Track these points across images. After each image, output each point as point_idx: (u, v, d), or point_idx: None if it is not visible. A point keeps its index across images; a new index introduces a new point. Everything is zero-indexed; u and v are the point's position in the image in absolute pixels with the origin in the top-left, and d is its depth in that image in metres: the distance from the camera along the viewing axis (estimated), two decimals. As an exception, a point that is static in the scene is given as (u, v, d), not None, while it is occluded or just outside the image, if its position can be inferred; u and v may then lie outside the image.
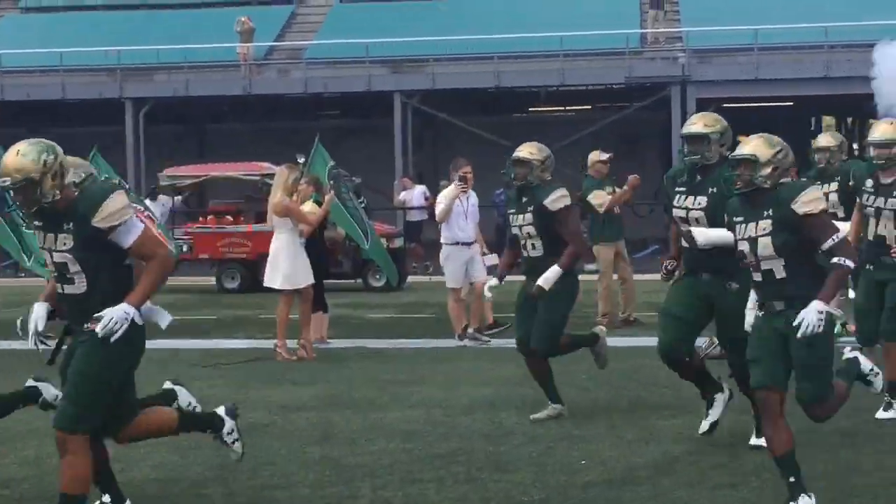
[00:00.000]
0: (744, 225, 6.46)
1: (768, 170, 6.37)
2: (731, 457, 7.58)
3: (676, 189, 7.89)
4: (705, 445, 7.92)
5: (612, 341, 13.07)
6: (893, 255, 8.48)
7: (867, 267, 8.69)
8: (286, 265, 12.59)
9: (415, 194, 25.97)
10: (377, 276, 20.15)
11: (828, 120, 40.40)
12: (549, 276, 8.73)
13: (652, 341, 12.97)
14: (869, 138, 8.89)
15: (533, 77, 30.64)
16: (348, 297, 19.03)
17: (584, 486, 6.92)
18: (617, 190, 14.85)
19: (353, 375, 11.48)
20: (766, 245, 6.30)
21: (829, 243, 6.18)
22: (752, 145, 6.57)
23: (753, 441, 7.69)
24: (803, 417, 6.55)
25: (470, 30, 30.79)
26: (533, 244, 9.05)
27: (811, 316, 5.94)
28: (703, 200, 7.63)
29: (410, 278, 21.60)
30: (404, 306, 18.08)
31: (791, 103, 33.30)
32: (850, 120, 39.37)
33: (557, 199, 8.84)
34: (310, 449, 8.12)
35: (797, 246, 6.28)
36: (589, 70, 30.51)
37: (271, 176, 22.16)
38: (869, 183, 8.74)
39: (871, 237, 8.70)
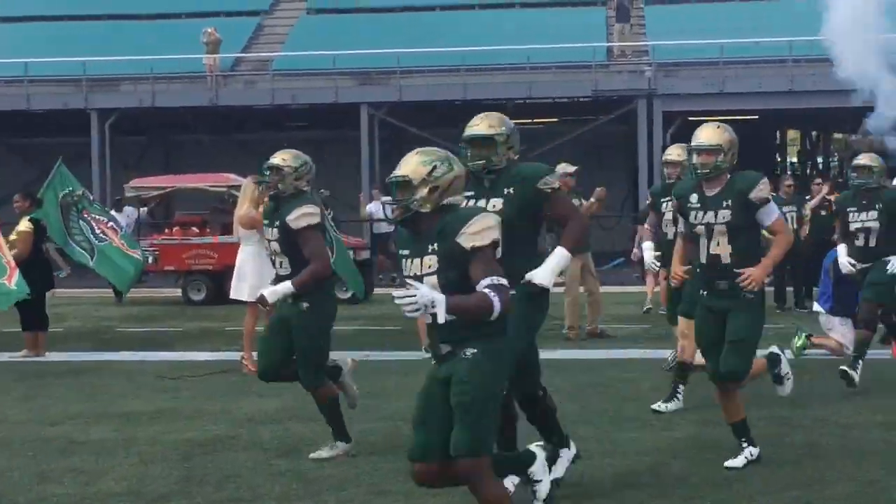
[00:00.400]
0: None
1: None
2: (694, 469, 7.60)
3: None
4: (669, 458, 7.95)
5: (580, 353, 13.25)
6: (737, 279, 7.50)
7: (701, 293, 7.89)
8: (253, 277, 12.49)
9: (379, 206, 25.98)
10: (343, 289, 20.03)
11: (793, 134, 40.78)
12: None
13: (618, 353, 13.16)
14: (693, 143, 7.84)
15: (500, 90, 30.67)
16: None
17: (561, 496, 6.93)
18: (583, 202, 14.88)
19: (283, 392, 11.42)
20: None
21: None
22: None
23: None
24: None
25: (437, 42, 30.80)
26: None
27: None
28: (497, 202, 7.04)
29: (377, 290, 21.55)
30: (371, 318, 18.06)
31: (756, 117, 33.50)
32: (814, 134, 39.73)
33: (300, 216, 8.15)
34: (276, 461, 8.09)
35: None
36: (556, 83, 30.59)
37: (237, 187, 22.10)
38: (694, 198, 7.76)
39: (703, 259, 7.74)
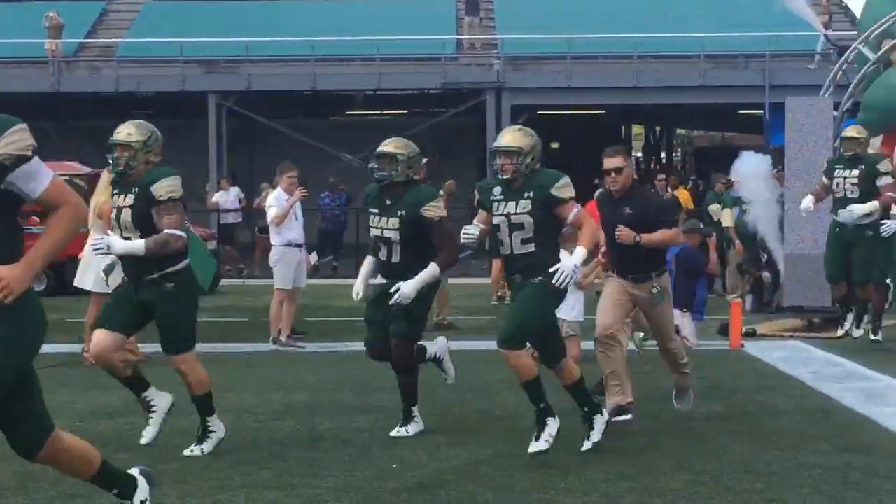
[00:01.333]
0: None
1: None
2: (537, 462, 7.68)
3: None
4: (514, 448, 8.01)
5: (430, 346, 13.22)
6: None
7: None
8: (98, 267, 12.28)
9: (230, 196, 25.69)
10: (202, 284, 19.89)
11: (637, 129, 41.58)
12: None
13: (469, 345, 13.22)
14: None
15: (350, 80, 30.64)
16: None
17: (394, 490, 6.92)
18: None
19: (160, 381, 11.21)
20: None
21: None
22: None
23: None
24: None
25: (286, 32, 30.61)
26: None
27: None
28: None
29: (224, 281, 21.31)
30: (217, 310, 17.82)
31: (603, 111, 34.09)
32: (657, 128, 40.57)
33: None
34: (116, 456, 7.87)
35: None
36: (405, 75, 30.65)
37: (80, 176, 21.84)
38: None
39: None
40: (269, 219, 13.79)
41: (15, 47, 30.06)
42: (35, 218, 21.72)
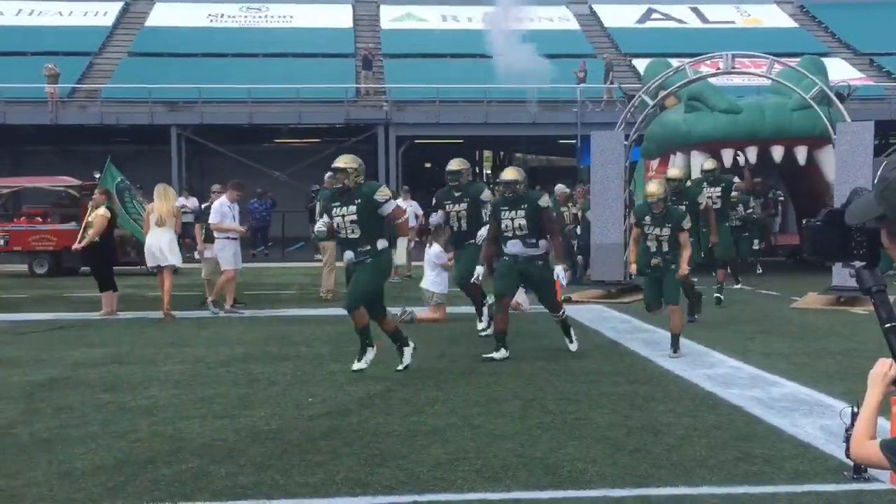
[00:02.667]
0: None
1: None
2: (414, 392, 7.71)
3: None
4: (396, 385, 8.02)
5: (333, 311, 13.17)
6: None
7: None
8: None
9: (191, 202, 25.29)
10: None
11: (487, 153, 41.79)
12: None
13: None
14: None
15: (277, 117, 30.26)
16: (134, 280, 18.31)
17: (309, 417, 6.88)
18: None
19: (135, 339, 11.00)
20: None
21: None
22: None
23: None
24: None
25: (230, 80, 30.11)
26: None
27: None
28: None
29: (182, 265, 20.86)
30: (177, 286, 17.41)
31: (462, 141, 34.20)
32: (501, 154, 40.91)
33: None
34: (100, 396, 7.73)
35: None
36: (318, 113, 30.38)
37: (73, 187, 21.31)
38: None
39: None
40: (210, 220, 13.64)
41: (23, 91, 29.17)
42: (38, 218, 21.25)
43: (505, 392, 7.68)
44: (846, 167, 13.74)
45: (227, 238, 13.51)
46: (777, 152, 18.15)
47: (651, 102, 16.91)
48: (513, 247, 9.37)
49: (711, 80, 19.13)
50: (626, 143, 16.10)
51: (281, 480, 5.28)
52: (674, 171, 13.19)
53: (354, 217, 8.36)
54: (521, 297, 12.76)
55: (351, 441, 6.12)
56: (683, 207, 11.06)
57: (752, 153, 18.28)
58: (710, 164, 14.46)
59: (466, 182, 10.92)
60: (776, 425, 6.48)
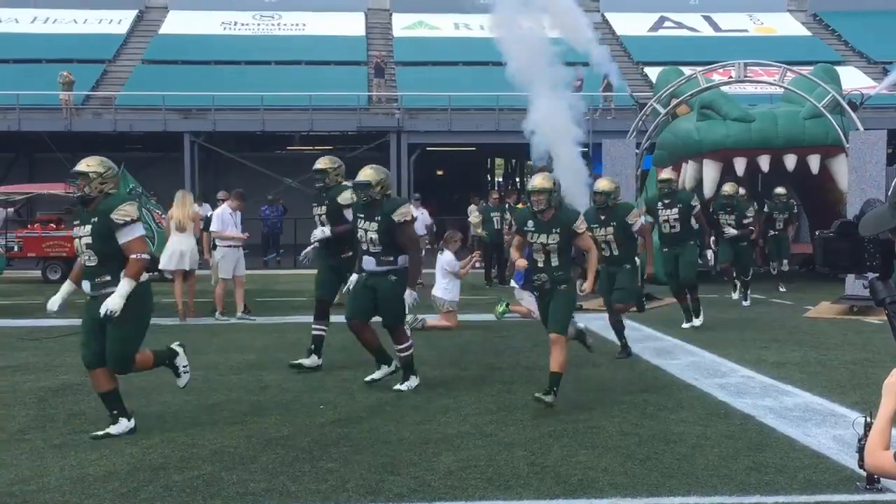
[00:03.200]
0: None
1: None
2: (425, 400, 7.71)
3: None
4: (407, 393, 8.02)
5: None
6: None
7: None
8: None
9: (203, 210, 25.33)
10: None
11: (499, 161, 41.81)
12: None
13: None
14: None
15: (289, 124, 30.35)
16: (147, 286, 18.30)
17: (320, 424, 6.89)
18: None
19: (148, 345, 10.99)
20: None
21: None
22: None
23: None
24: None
25: (243, 88, 30.24)
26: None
27: None
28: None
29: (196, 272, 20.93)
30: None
31: (474, 148, 34.23)
32: (513, 161, 40.88)
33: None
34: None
35: None
36: (330, 121, 30.46)
37: (87, 193, 21.40)
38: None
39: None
40: (212, 228, 13.84)
41: (38, 98, 29.33)
42: (52, 224, 21.36)
43: (517, 400, 7.67)
44: (859, 176, 13.69)
45: (229, 246, 13.58)
46: (790, 161, 18.09)
47: (663, 111, 16.91)
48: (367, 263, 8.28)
49: (724, 88, 19.09)
50: (637, 151, 16.08)
51: (292, 487, 5.29)
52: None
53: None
54: (532, 304, 12.74)
55: (362, 448, 6.13)
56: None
57: (764, 162, 18.23)
58: (666, 174, 13.12)
59: (334, 184, 9.38)
60: (789, 435, 6.45)
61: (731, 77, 17.59)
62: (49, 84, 29.38)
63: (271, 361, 9.70)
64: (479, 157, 38.33)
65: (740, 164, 18.33)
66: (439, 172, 36.41)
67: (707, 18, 40.25)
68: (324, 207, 9.11)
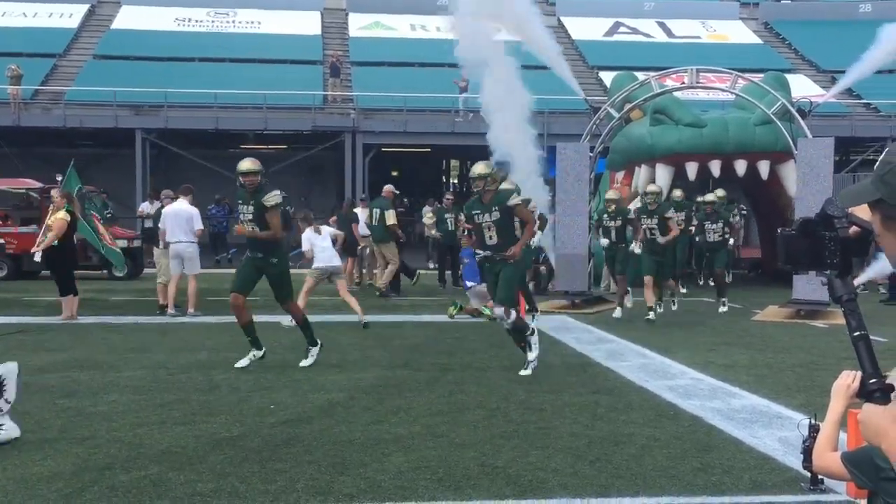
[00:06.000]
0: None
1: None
2: (377, 401, 7.68)
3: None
4: (359, 393, 7.99)
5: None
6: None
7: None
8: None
9: (156, 207, 25.04)
10: (118, 268, 19.36)
11: (454, 162, 41.85)
12: None
13: (330, 318, 13.13)
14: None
15: (243, 123, 30.12)
16: (95, 284, 18.11)
17: (271, 424, 6.83)
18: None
19: (96, 344, 10.87)
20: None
21: None
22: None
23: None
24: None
25: (196, 85, 29.89)
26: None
27: None
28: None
29: (146, 270, 20.68)
30: (140, 291, 17.31)
31: (429, 150, 34.22)
32: (469, 162, 40.96)
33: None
34: (59, 401, 7.62)
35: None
36: (285, 119, 30.27)
37: (34, 189, 20.97)
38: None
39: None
40: (160, 225, 14.01)
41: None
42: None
43: (469, 401, 7.67)
44: (807, 182, 13.92)
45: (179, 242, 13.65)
46: (740, 166, 18.33)
47: (617, 115, 17.03)
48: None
49: (676, 93, 19.29)
50: (591, 154, 16.19)
51: (241, 488, 5.23)
52: (653, 187, 14.37)
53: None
54: (481, 300, 12.79)
55: (312, 449, 6.08)
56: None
57: (715, 167, 18.45)
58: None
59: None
60: (736, 436, 6.53)
61: (683, 83, 17.78)
62: (-3, 78, 28.87)
63: (222, 361, 9.60)
64: (435, 159, 38.34)
65: (692, 169, 18.54)
66: (394, 173, 36.33)
67: (661, 25, 40.67)
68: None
